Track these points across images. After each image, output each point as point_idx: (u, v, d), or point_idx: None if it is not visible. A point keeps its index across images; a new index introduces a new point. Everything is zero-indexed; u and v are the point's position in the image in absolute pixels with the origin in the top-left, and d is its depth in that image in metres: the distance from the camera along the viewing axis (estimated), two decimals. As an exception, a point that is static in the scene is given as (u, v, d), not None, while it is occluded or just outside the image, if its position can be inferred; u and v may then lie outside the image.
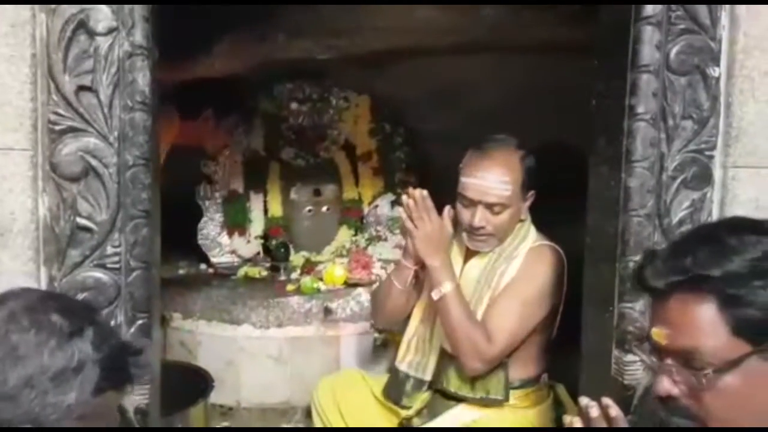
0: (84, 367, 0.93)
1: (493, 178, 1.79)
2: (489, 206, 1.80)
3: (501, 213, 1.81)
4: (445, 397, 1.93)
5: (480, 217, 1.81)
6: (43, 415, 0.91)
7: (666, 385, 0.91)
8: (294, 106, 3.42)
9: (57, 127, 1.30)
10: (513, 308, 1.82)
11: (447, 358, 1.90)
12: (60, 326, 0.94)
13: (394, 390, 1.98)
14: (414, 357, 1.96)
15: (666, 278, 0.90)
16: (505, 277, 1.86)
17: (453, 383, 1.89)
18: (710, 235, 0.91)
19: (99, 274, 1.33)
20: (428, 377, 1.94)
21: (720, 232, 0.90)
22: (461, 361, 1.82)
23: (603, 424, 0.99)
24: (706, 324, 0.86)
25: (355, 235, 3.45)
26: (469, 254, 1.95)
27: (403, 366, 1.97)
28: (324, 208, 3.50)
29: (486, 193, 1.79)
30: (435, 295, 1.80)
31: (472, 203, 1.82)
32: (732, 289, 0.85)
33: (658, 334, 0.92)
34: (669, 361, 0.91)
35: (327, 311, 2.85)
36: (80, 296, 1.32)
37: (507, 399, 1.86)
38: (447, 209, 1.87)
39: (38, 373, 0.90)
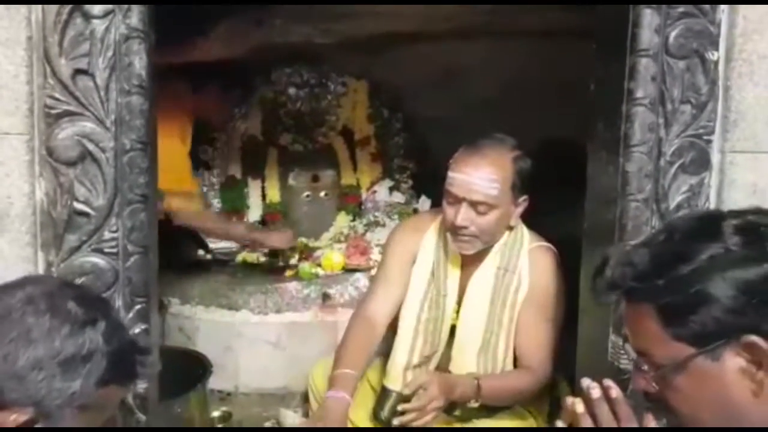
0: (93, 357, 0.94)
1: (480, 175, 1.71)
2: (473, 204, 1.72)
3: (486, 214, 1.73)
4: None
5: (463, 215, 1.73)
6: (48, 399, 0.92)
7: (639, 383, 0.95)
8: (292, 91, 3.40)
9: (53, 111, 1.30)
10: (542, 330, 1.84)
11: None
12: (75, 314, 0.95)
13: (390, 410, 1.83)
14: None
15: (607, 294, 0.94)
16: (520, 293, 1.85)
17: (462, 413, 1.87)
18: (659, 241, 0.91)
19: (97, 259, 1.34)
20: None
21: (669, 236, 0.91)
22: (528, 396, 1.87)
23: (604, 406, 1.00)
24: (648, 330, 0.90)
25: (353, 220, 3.44)
26: (465, 264, 1.89)
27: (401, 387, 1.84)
28: (322, 194, 3.50)
29: (471, 190, 1.71)
30: (475, 404, 1.78)
31: (457, 200, 1.74)
32: (667, 298, 0.87)
33: (625, 333, 0.99)
34: (639, 358, 0.95)
35: (325, 297, 2.86)
36: (78, 281, 1.32)
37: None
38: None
39: (48, 357, 0.92)
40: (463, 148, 1.80)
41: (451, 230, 1.80)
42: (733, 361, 0.85)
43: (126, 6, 1.29)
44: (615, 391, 0.99)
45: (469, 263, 1.88)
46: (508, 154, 1.76)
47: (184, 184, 2.88)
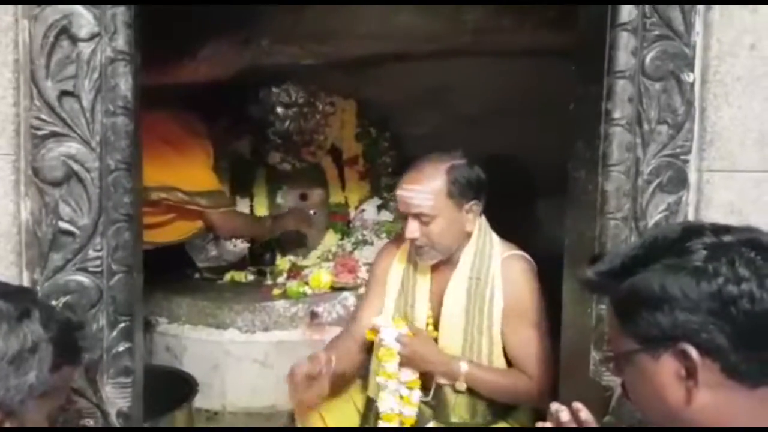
0: (38, 347, 0.96)
1: (414, 189, 1.82)
2: (417, 217, 1.83)
3: (430, 223, 1.82)
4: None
5: (410, 228, 1.84)
6: (8, 398, 0.93)
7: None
8: (280, 110, 3.42)
9: (39, 132, 1.31)
10: (528, 338, 1.86)
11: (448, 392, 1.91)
12: (7, 311, 0.96)
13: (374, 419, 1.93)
14: None
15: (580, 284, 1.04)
16: (495, 301, 1.88)
17: (459, 414, 1.91)
18: (638, 245, 0.95)
19: (81, 278, 1.34)
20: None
21: (647, 242, 0.94)
22: (519, 401, 1.90)
23: (573, 426, 1.02)
24: (611, 321, 0.97)
25: (342, 239, 3.46)
26: (436, 275, 1.95)
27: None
28: (310, 213, 3.51)
29: (409, 204, 1.83)
30: (460, 387, 1.86)
31: (405, 215, 1.87)
32: (620, 296, 0.92)
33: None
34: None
35: (313, 315, 2.86)
36: (62, 300, 1.33)
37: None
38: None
39: None
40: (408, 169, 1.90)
41: (411, 244, 1.89)
42: (669, 365, 0.88)
43: (112, 29, 1.31)
44: (584, 413, 1.03)
45: (440, 274, 1.94)
46: (442, 166, 1.84)
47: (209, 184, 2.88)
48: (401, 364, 1.86)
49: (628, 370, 0.94)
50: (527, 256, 1.93)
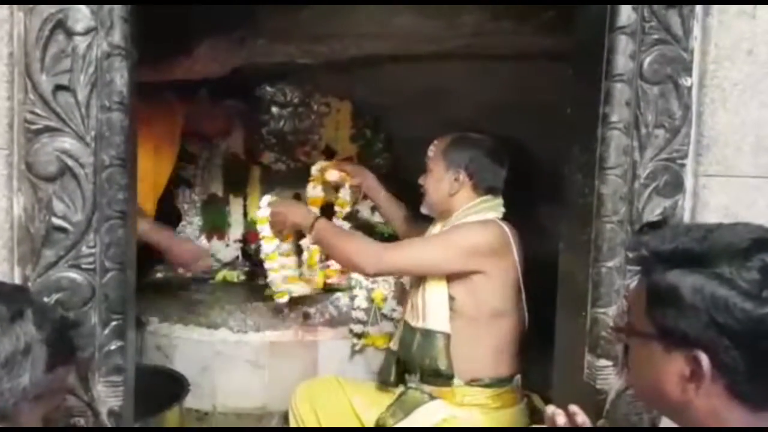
0: (31, 349, 0.94)
1: (432, 144, 2.24)
2: (427, 167, 2.20)
3: (429, 176, 2.18)
4: (416, 394, 1.96)
5: (423, 176, 2.23)
6: (1, 401, 0.91)
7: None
8: (275, 110, 3.41)
9: (33, 127, 1.30)
10: (420, 240, 2.10)
11: (408, 332, 2.07)
12: (0, 312, 0.94)
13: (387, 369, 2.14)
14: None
15: (630, 249, 1.10)
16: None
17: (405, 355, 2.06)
18: (699, 237, 0.91)
19: (73, 275, 1.33)
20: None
21: (711, 239, 0.90)
22: (353, 266, 2.06)
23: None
24: (638, 295, 0.95)
25: (335, 240, 3.44)
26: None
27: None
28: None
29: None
30: (310, 239, 2.22)
31: None
32: (659, 283, 0.90)
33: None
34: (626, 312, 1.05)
35: (305, 316, 2.85)
36: (54, 297, 1.31)
37: (451, 375, 1.95)
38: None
39: None
40: None
41: None
42: (677, 363, 0.87)
43: (108, 23, 1.30)
44: (581, 417, 1.02)
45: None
46: (455, 135, 2.21)
47: None
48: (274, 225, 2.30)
49: (634, 346, 0.95)
50: (501, 224, 2.05)
